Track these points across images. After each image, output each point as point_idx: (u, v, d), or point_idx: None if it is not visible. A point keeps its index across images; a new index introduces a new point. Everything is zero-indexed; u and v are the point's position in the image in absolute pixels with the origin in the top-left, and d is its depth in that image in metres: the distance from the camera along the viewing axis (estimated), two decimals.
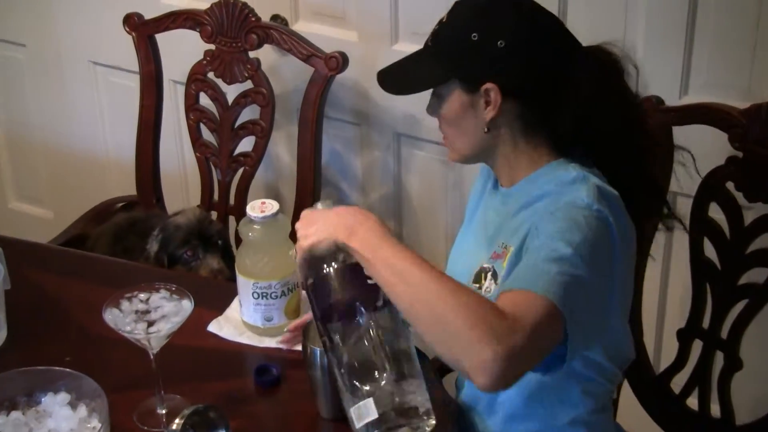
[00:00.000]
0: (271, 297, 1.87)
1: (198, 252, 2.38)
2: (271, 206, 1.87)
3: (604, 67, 1.61)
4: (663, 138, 1.95)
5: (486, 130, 1.62)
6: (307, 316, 1.78)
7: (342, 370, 1.47)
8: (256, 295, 1.87)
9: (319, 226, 1.51)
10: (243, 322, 1.93)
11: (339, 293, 1.49)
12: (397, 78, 1.70)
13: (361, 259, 1.46)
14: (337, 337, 1.48)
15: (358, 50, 2.55)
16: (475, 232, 1.79)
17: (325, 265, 1.50)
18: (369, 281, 1.47)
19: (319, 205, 1.58)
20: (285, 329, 1.87)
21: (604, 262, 1.51)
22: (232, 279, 2.34)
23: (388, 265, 1.43)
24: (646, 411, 2.14)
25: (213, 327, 1.95)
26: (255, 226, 1.87)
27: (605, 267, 1.52)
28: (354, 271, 1.48)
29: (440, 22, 1.65)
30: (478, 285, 1.64)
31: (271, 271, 1.86)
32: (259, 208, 1.86)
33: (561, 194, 1.55)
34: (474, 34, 1.58)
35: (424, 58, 1.66)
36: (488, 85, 1.58)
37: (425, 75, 1.65)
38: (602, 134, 1.61)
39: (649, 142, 1.69)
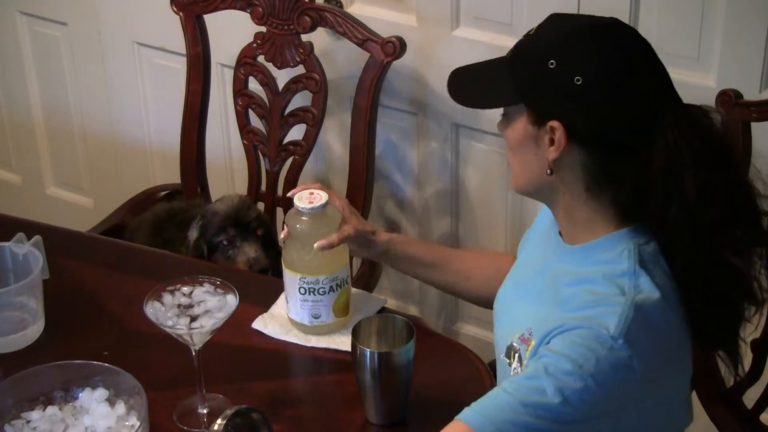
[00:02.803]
0: (318, 293, 1.88)
1: (235, 240, 2.40)
2: (320, 197, 1.86)
3: (697, 133, 1.47)
4: (740, 136, 1.93)
5: (549, 171, 1.53)
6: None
7: None
8: (302, 291, 1.88)
9: None
10: (289, 319, 1.94)
11: None
12: (468, 87, 1.62)
13: None
14: None
15: (417, 35, 2.55)
16: (530, 273, 1.72)
17: None
18: None
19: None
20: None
21: (605, 405, 1.47)
22: (271, 270, 2.38)
23: None
24: (715, 426, 2.13)
25: (258, 324, 1.96)
26: (302, 218, 1.87)
27: (609, 408, 1.48)
28: None
29: (527, 35, 1.54)
30: (509, 361, 1.62)
31: (319, 266, 1.87)
32: (307, 198, 1.86)
33: (595, 301, 1.48)
34: (552, 61, 1.46)
35: (500, 72, 1.56)
36: (554, 123, 1.48)
37: (495, 92, 1.56)
38: (676, 216, 1.47)
39: (754, 239, 1.52)
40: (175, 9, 2.63)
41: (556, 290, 1.57)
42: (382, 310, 2.00)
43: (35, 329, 1.93)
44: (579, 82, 1.45)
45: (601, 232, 1.55)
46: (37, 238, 1.98)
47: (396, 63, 2.46)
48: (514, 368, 1.60)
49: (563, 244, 1.62)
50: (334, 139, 2.84)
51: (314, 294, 1.88)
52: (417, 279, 2.00)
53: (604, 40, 1.49)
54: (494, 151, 2.61)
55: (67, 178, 3.55)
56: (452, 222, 2.77)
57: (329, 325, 1.91)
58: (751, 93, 2.14)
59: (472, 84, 1.62)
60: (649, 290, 1.48)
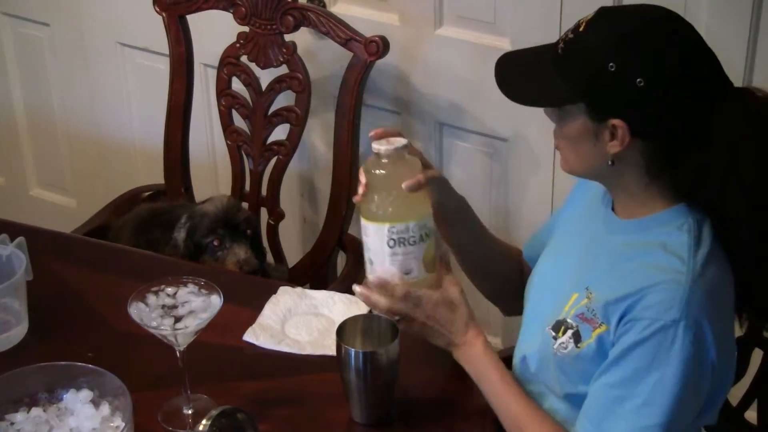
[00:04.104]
0: (409, 243, 1.69)
1: (225, 242, 2.40)
2: (397, 140, 1.71)
3: (753, 118, 1.52)
4: None
5: (610, 162, 1.57)
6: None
7: None
8: (392, 243, 1.68)
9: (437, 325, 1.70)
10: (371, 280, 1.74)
11: None
12: (519, 83, 1.64)
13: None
14: None
15: (400, 34, 2.55)
16: (569, 248, 1.76)
17: None
18: None
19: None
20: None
21: (694, 396, 1.56)
22: (259, 271, 2.37)
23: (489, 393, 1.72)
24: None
25: (249, 336, 1.94)
26: (383, 161, 1.69)
27: (698, 398, 1.58)
28: None
29: (576, 30, 1.56)
30: (555, 334, 1.65)
31: (408, 211, 1.69)
32: (386, 141, 1.70)
33: (655, 276, 1.53)
34: (611, 63, 1.50)
35: (552, 71, 1.58)
36: (616, 122, 1.52)
37: (551, 92, 1.58)
38: (734, 196, 1.53)
39: None
40: (157, 9, 2.62)
41: (609, 268, 1.61)
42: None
43: (19, 331, 1.92)
44: (641, 84, 1.49)
45: (658, 208, 1.61)
46: (20, 239, 1.97)
47: (379, 62, 2.46)
48: (561, 342, 1.64)
49: (616, 218, 1.66)
50: (318, 138, 2.83)
51: (404, 245, 1.69)
52: (465, 251, 1.94)
53: (661, 39, 1.52)
54: (478, 149, 2.62)
55: (50, 179, 3.53)
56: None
57: (420, 282, 1.72)
58: None
59: (523, 79, 1.64)
60: (708, 263, 1.54)
